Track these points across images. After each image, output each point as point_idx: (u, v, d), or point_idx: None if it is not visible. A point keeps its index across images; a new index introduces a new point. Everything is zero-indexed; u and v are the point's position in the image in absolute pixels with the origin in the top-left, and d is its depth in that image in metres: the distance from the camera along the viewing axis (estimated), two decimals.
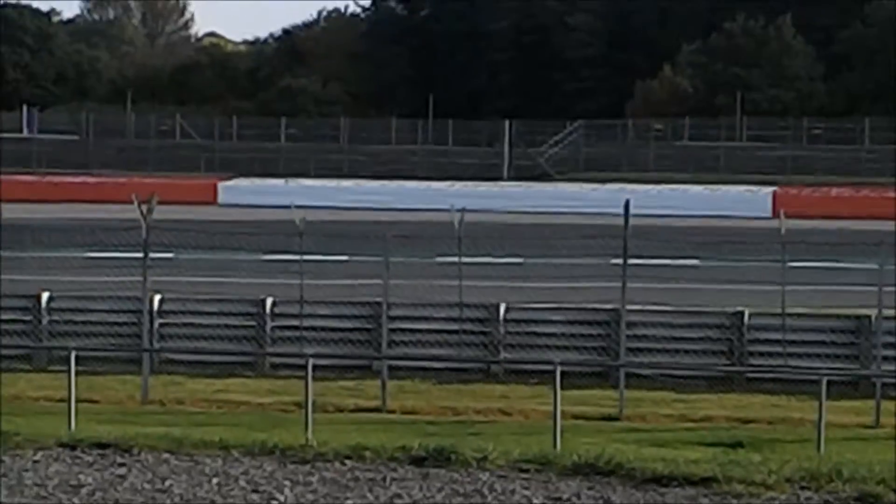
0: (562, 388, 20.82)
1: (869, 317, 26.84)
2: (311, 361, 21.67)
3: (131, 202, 28.32)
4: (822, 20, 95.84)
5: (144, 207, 27.20)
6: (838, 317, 28.35)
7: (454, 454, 11.99)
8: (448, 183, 67.14)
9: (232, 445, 12.53)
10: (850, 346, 27.45)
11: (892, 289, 27.23)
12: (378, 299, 27.93)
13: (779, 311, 28.13)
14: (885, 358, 26.02)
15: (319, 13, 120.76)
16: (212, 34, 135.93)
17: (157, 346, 27.79)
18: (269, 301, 29.08)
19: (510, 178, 77.26)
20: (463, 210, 32.59)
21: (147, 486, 11.21)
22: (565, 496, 10.85)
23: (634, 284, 26.63)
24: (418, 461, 11.95)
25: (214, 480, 11.37)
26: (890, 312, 26.89)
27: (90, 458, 12.19)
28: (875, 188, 68.51)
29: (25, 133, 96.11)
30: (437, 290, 30.18)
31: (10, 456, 12.27)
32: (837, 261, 36.07)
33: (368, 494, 10.91)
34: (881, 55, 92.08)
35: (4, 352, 28.57)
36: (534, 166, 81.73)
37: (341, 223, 44.04)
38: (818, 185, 70.67)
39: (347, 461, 11.99)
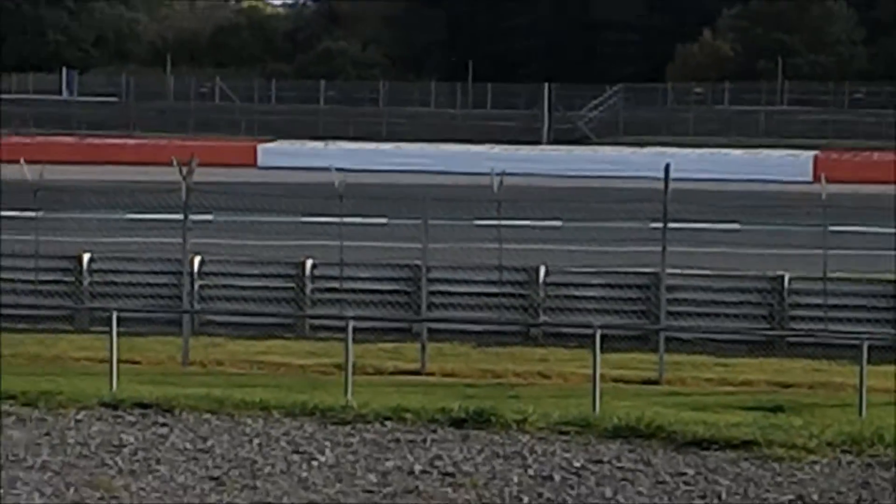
0: (601, 351, 20.80)
1: None
2: (350, 323, 21.70)
3: (171, 164, 28.41)
4: None
5: (184, 169, 27.26)
6: (879, 281, 28.22)
7: (494, 416, 12.01)
8: (487, 146, 67.03)
9: (272, 406, 12.58)
10: (891, 310, 27.34)
11: None
12: (417, 262, 27.95)
13: (820, 275, 28.07)
14: None
15: None
16: None
17: (197, 307, 27.86)
18: (308, 263, 29.12)
19: (549, 142, 77.01)
20: (502, 173, 32.61)
21: (188, 445, 11.26)
22: (605, 458, 10.85)
23: (674, 248, 26.60)
24: (458, 423, 11.97)
25: (255, 441, 11.41)
26: None
27: (132, 418, 12.26)
28: None
29: (65, 95, 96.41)
30: (477, 253, 30.16)
31: (53, 415, 12.36)
32: (879, 226, 35.91)
33: (409, 455, 10.93)
34: None
35: (46, 312, 28.79)
36: (573, 130, 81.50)
37: (380, 186, 44.01)
38: (860, 150, 70.29)
39: (387, 422, 12.02)
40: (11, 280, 29.80)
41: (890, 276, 28.12)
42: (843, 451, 10.98)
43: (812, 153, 63.52)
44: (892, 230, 33.73)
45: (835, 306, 27.39)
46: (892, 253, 31.20)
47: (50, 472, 10.43)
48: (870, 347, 21.60)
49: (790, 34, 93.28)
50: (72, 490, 9.93)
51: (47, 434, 11.63)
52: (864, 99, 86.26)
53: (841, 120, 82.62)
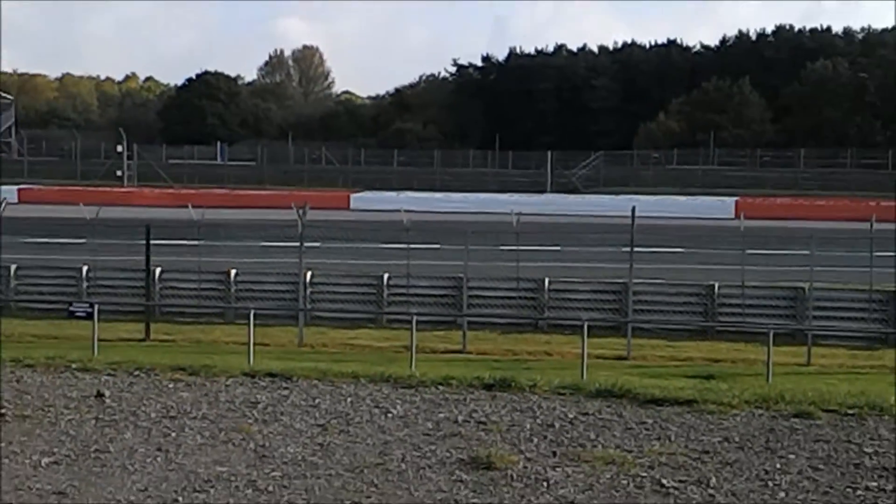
0: (588, 337, 20.81)
1: (804, 287, 26.61)
2: (414, 318, 21.80)
3: (291, 208, 28.56)
4: (770, 80, 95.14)
5: (300, 211, 27.41)
6: (782, 288, 28.08)
7: (513, 382, 12.00)
8: (509, 194, 67.11)
9: (361, 375, 12.60)
10: (790, 308, 27.21)
11: (820, 268, 27.00)
12: (460, 275, 28.02)
13: (739, 283, 27.96)
14: (815, 317, 25.84)
15: (420, 77, 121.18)
16: (346, 92, 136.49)
17: (308, 306, 27.97)
18: (385, 276, 29.22)
19: (552, 191, 76.97)
20: (519, 213, 32.65)
21: (303, 402, 11.31)
22: (591, 412, 10.83)
23: (639, 265, 26.54)
24: (488, 387, 11.97)
25: (349, 399, 11.44)
26: (818, 284, 26.70)
27: (263, 384, 12.32)
28: (808, 198, 67.90)
29: (218, 160, 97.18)
30: (501, 269, 30.17)
31: (210, 381, 12.43)
32: (782, 249, 35.69)
33: (454, 409, 10.94)
34: (812, 104, 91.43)
35: (206, 310, 28.99)
36: (568, 183, 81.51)
37: (435, 222, 44.05)
38: (768, 196, 70.04)
39: (440, 387, 12.03)
40: (182, 288, 30.09)
41: (790, 284, 27.98)
42: (756, 407, 10.93)
43: (734, 198, 63.30)
44: (791, 252, 33.52)
45: (750, 306, 27.27)
46: (791, 268, 31.03)
47: (208, 420, 10.49)
48: (775, 334, 21.50)
49: (719, 115, 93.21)
50: (222, 433, 9.98)
51: (206, 395, 11.71)
52: (771, 160, 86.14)
53: (754, 175, 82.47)
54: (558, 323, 26.95)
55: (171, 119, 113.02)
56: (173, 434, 9.95)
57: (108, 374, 12.88)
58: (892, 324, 26.18)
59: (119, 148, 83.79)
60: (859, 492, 8.30)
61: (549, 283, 28.46)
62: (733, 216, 52.92)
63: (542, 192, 75.58)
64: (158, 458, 9.16)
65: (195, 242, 32.25)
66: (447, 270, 30.18)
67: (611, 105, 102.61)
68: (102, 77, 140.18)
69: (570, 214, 56.67)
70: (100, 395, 11.55)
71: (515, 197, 64.48)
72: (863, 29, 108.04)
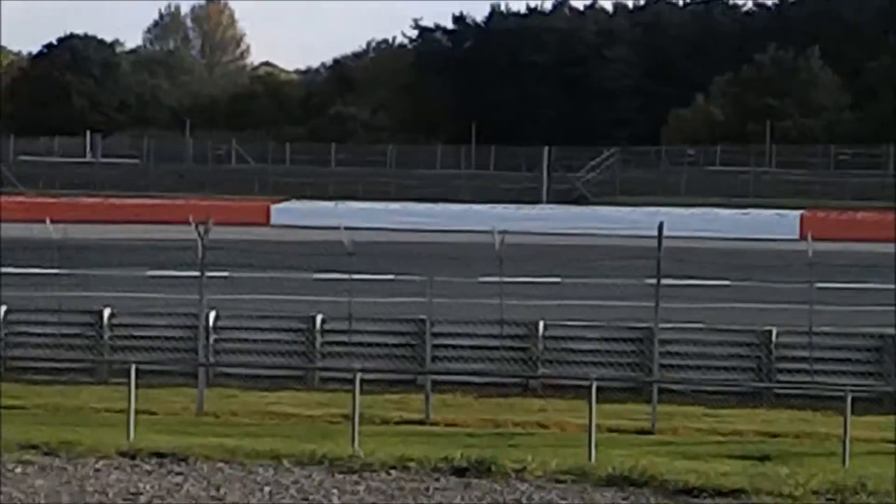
0: (597, 402, 20.81)
1: (893, 335, 26.72)
2: (358, 375, 21.70)
3: (188, 223, 28.48)
4: (850, 51, 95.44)
5: (201, 228, 27.33)
6: (863, 335, 28.20)
7: (494, 465, 11.99)
8: (489, 205, 67.19)
9: (283, 455, 12.55)
10: (874, 363, 27.33)
11: None
12: (422, 316, 27.96)
13: (806, 329, 28.07)
14: None
15: (368, 44, 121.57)
16: (266, 64, 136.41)
17: (212, 360, 27.85)
18: (318, 318, 29.15)
19: (549, 202, 77.16)
20: (504, 232, 32.66)
21: (203, 493, 11.26)
22: None
23: (667, 304, 26.58)
24: (460, 472, 11.95)
25: (266, 489, 11.40)
26: None
27: (148, 467, 12.24)
28: None
29: (89, 157, 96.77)
30: (479, 308, 30.19)
31: (73, 464, 12.34)
32: (863, 282, 35.91)
33: (412, 503, 10.92)
34: None
35: (68, 365, 28.81)
36: (572, 190, 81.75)
37: (388, 244, 44.07)
38: (845, 210, 70.40)
39: (393, 471, 12.00)
40: (36, 334, 29.90)
41: (873, 330, 28.11)
42: (828, 500, 10.96)
43: (799, 212, 63.62)
44: (876, 286, 33.73)
45: (820, 359, 27.38)
46: (876, 308, 31.19)
47: None
48: (853, 399, 21.57)
49: (778, 99, 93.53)
50: None
51: (67, 482, 11.62)
52: (850, 161, 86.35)
53: (827, 181, 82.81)
54: (557, 383, 26.97)
55: (21, 100, 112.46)
56: None
57: None
58: None
59: None
60: None
61: (545, 327, 28.47)
62: (797, 236, 53.17)
63: (537, 202, 75.71)
64: None
65: (55, 271, 32.07)
66: (404, 310, 30.13)
67: (630, 84, 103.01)
68: None
69: (573, 234, 56.82)
70: None
71: (499, 209, 64.60)
72: None
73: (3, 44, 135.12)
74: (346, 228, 35.18)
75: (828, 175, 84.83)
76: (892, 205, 73.16)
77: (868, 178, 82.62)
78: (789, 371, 27.48)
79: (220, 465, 12.25)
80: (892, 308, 26.98)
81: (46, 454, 12.71)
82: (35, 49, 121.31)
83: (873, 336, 27.78)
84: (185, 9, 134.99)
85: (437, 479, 11.70)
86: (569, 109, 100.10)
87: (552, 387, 27.18)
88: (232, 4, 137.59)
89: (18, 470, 12.11)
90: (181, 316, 29.20)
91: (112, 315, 29.83)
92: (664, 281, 26.37)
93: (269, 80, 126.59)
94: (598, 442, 19.81)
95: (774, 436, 24.00)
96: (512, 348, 28.46)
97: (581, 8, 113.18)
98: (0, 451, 12.76)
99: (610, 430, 22.54)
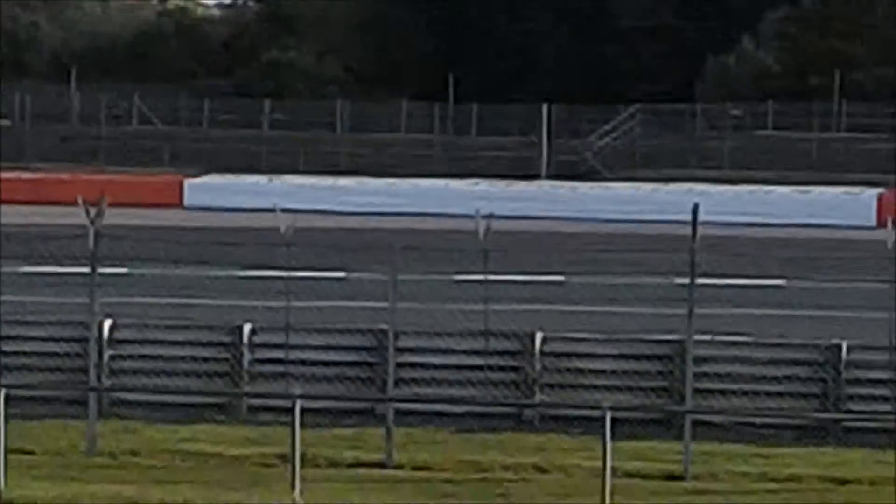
0: (613, 438, 20.89)
1: None
2: (298, 403, 21.75)
3: (76, 204, 28.44)
4: None
5: (92, 211, 27.28)
6: None
7: None
8: (472, 181, 67.26)
9: None
10: None
11: None
12: (383, 326, 27.98)
13: (886, 343, 28.18)
14: None
15: None
16: None
17: (107, 383, 27.83)
18: (247, 328, 29.15)
19: (549, 176, 77.30)
20: (490, 216, 32.71)
21: None
22: None
23: (704, 310, 26.67)
24: None
25: None
26: None
27: None
28: None
29: None
30: (457, 316, 30.25)
31: None
32: None
33: None
34: None
35: None
36: (579, 162, 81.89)
37: (339, 231, 44.14)
38: None
39: None
40: None
41: None
42: None
43: (876, 191, 63.85)
44: None
45: None
46: None
47: None
48: None
49: (850, 42, 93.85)
50: None
51: None
52: None
53: None
54: (560, 413, 27.06)
55: None
56: None
57: None
58: None
59: None
60: None
61: (544, 340, 28.54)
62: (874, 223, 53.40)
63: (535, 177, 75.85)
64: None
65: None
66: (360, 317, 30.18)
67: (653, 23, 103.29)
68: None
69: (581, 219, 56.98)
70: None
71: (483, 186, 64.68)
72: None
73: None
74: (283, 211, 35.19)
75: None
76: None
77: None
78: (864, 398, 27.59)
79: None
80: None
81: None
82: None
83: None
84: None
85: None
86: (577, 55, 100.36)
87: (553, 418, 27.27)
88: None
89: None
90: (67, 325, 29.19)
91: None
92: (699, 280, 26.47)
93: (181, 17, 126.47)
94: (614, 490, 19.90)
95: (844, 482, 24.11)
96: (501, 368, 28.52)
97: None
98: None
99: (629, 474, 22.63)
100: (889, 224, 31.88)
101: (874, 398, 27.49)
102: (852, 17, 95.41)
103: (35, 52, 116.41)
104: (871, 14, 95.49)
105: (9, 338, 29.76)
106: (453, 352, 28.71)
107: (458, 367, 28.43)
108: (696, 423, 25.49)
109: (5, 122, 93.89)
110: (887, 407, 26.97)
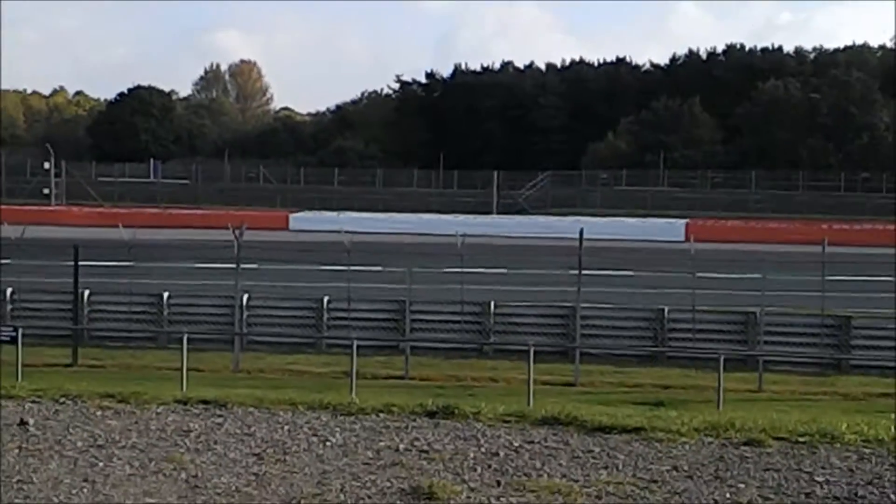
0: (534, 362, 20.87)
1: (755, 312, 26.86)
2: (355, 342, 21.73)
3: (227, 228, 28.41)
4: (721, 100, 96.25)
5: (237, 232, 27.28)
6: (733, 312, 28.36)
7: (457, 410, 11.97)
8: (453, 215, 67.22)
9: (298, 402, 12.51)
10: (741, 333, 27.49)
11: (771, 292, 27.29)
12: (403, 298, 27.99)
13: (689, 308, 28.18)
14: (766, 342, 26.09)
15: (362, 93, 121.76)
16: (286, 108, 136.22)
17: (245, 330, 27.82)
18: (325, 299, 29.14)
19: (498, 213, 77.22)
20: (464, 235, 32.72)
21: (238, 430, 11.21)
22: (536, 440, 10.84)
23: (586, 288, 26.67)
24: (431, 414, 11.93)
25: (286, 427, 11.36)
26: (769, 309, 26.94)
27: (197, 411, 12.19)
28: (760, 220, 68.70)
29: (152, 178, 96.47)
30: (445, 292, 30.20)
31: (139, 409, 12.28)
32: (732, 273, 36.04)
33: (395, 437, 10.90)
34: (764, 125, 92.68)
35: (137, 334, 28.73)
36: (515, 204, 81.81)
37: (377, 244, 44.03)
38: (719, 218, 70.72)
39: (381, 414, 11.97)
40: (112, 311, 29.81)
41: (740, 309, 28.23)
42: (706, 435, 10.99)
43: (684, 221, 63.86)
44: (742, 276, 33.85)
45: (700, 330, 27.50)
46: (743, 292, 31.30)
47: (137, 450, 10.36)
48: (725, 360, 21.69)
49: (669, 135, 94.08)
50: (153, 463, 9.87)
51: (135, 423, 11.57)
52: (722, 182, 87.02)
53: (705, 197, 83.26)
54: (504, 348, 27.00)
55: (101, 135, 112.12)
56: (100, 464, 9.82)
57: (33, 402, 12.69)
58: (844, 349, 26.52)
59: (46, 165, 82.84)
60: None
61: (495, 306, 28.52)
62: (683, 239, 53.32)
63: (489, 213, 75.76)
64: (85, 490, 9.03)
65: (126, 263, 31.96)
66: (389, 294, 30.14)
67: (558, 124, 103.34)
68: (29, 91, 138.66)
69: (516, 236, 56.92)
70: (23, 423, 11.38)
71: (460, 218, 64.56)
72: (814, 49, 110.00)
73: (87, 91, 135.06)
74: (346, 232, 35.14)
75: (705, 192, 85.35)
76: (754, 215, 73.81)
77: (735, 195, 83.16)
78: (678, 339, 27.57)
79: (251, 409, 12.21)
80: (757, 292, 27.05)
81: (119, 402, 12.65)
82: (111, 96, 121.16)
83: (741, 313, 27.92)
84: (224, 66, 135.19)
85: (414, 420, 11.68)
86: (513, 143, 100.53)
87: (500, 351, 27.23)
88: (259, 62, 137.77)
89: (98, 413, 12.05)
90: (222, 297, 29.14)
91: (170, 297, 29.78)
92: (585, 271, 26.47)
93: (287, 121, 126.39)
94: (534, 392, 19.87)
95: (667, 387, 24.10)
96: (470, 322, 28.49)
97: (521, 67, 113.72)
98: (84, 399, 12.72)
99: (544, 383, 22.58)
100: (692, 239, 31.90)
101: (683, 339, 27.47)
102: (671, 120, 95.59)
103: (203, 141, 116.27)
104: (680, 119, 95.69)
105: (189, 304, 29.77)
106: (443, 312, 28.67)
107: (446, 321, 28.38)
108: (582, 354, 25.49)
109: (185, 181, 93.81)
110: (690, 344, 26.98)
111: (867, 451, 10.43)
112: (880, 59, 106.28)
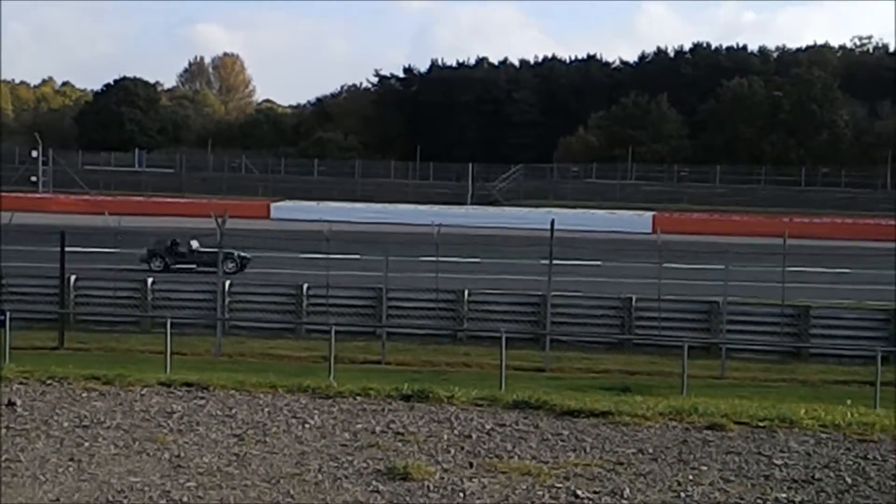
0: (506, 348, 20.92)
1: (718, 301, 27.00)
2: (333, 328, 21.72)
3: (210, 216, 28.31)
4: (688, 97, 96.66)
5: (220, 220, 27.20)
6: (698, 301, 28.49)
7: (431, 393, 11.99)
8: (429, 206, 67.17)
9: (279, 385, 12.51)
10: (705, 321, 27.62)
11: (734, 282, 27.42)
12: (380, 285, 28.00)
13: (656, 297, 28.31)
14: (729, 330, 26.23)
15: (342, 86, 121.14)
16: (267, 100, 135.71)
17: (227, 316, 27.76)
18: (305, 286, 29.11)
19: (472, 203, 77.20)
20: (440, 225, 32.72)
21: (219, 412, 11.21)
22: (508, 423, 10.87)
23: (557, 278, 26.73)
24: (406, 398, 11.95)
25: (266, 409, 11.36)
26: (732, 298, 27.08)
27: (180, 393, 12.18)
28: (724, 213, 69.00)
29: (136, 167, 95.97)
30: (421, 280, 30.23)
31: (124, 390, 12.26)
32: (698, 263, 36.22)
33: (372, 420, 10.91)
34: (728, 121, 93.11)
35: (122, 319, 28.63)
36: (489, 195, 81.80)
37: (355, 233, 43.98)
38: (684, 211, 70.96)
39: (358, 397, 11.98)
40: (97, 296, 29.69)
41: (705, 298, 28.38)
42: (670, 419, 11.05)
43: (652, 213, 64.06)
44: (708, 266, 34.03)
45: (666, 318, 27.63)
46: (708, 282, 31.48)
47: (121, 430, 10.35)
48: (690, 347, 21.82)
49: (637, 130, 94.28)
50: (136, 443, 9.86)
51: (120, 404, 11.55)
52: (688, 176, 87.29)
53: (672, 190, 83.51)
54: (477, 334, 27.04)
55: (87, 125, 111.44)
56: (86, 444, 9.80)
57: (20, 383, 12.65)
58: (803, 338, 26.70)
59: (34, 153, 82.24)
60: (769, 503, 8.44)
61: (469, 294, 28.56)
62: (650, 231, 53.56)
63: (463, 204, 75.75)
64: (71, 468, 9.02)
65: (112, 250, 31.82)
66: (367, 281, 30.14)
67: (531, 118, 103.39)
68: (17, 81, 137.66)
69: (490, 227, 56.95)
70: (11, 403, 11.34)
71: (436, 209, 64.50)
72: (777, 48, 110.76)
73: (74, 82, 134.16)
74: (325, 221, 35.08)
75: (672, 186, 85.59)
76: (718, 208, 74.08)
77: (701, 188, 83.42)
78: (644, 327, 27.71)
79: (233, 392, 12.20)
80: (720, 283, 27.17)
81: (105, 383, 12.61)
82: (98, 87, 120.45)
83: (705, 302, 28.07)
84: (207, 59, 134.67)
85: (390, 403, 11.70)
86: (487, 136, 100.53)
87: (474, 338, 27.27)
88: (242, 56, 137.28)
89: (84, 394, 12.02)
90: (205, 283, 29.10)
91: (154, 282, 29.69)
92: (555, 261, 26.54)
93: (269, 113, 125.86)
94: (506, 377, 19.91)
95: (633, 373, 24.22)
96: (445, 309, 28.54)
97: (496, 63, 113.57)
98: (70, 381, 12.69)
99: (515, 369, 22.64)
100: (658, 231, 31.99)
101: (650, 327, 27.61)
102: (640, 116, 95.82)
103: (188, 132, 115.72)
104: (648, 114, 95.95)
105: (172, 290, 29.66)
106: (418, 300, 28.72)
107: (421, 308, 28.45)
108: (552, 341, 25.58)
109: (169, 171, 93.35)
110: (656, 332, 27.10)
111: (824, 435, 10.53)
112: (840, 58, 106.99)
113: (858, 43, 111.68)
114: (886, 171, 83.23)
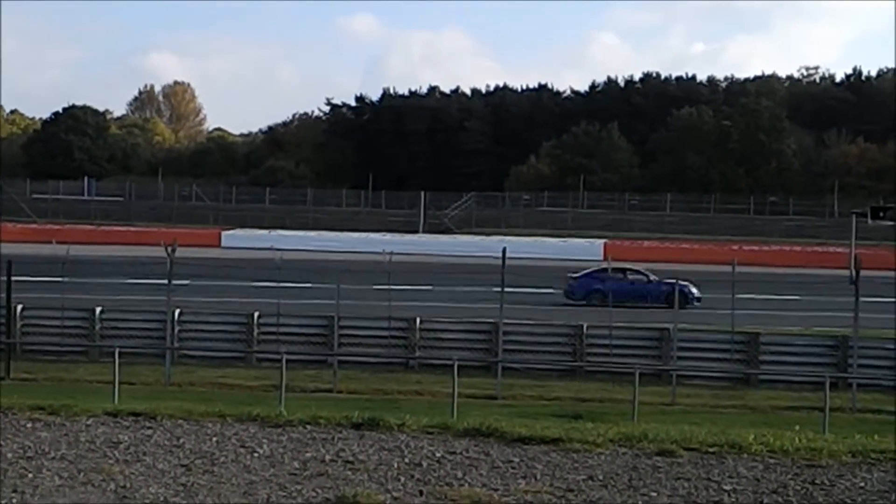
0: (458, 376, 20.87)
1: (669, 329, 27.11)
2: (284, 357, 21.59)
3: (160, 245, 28.09)
4: (638, 126, 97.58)
5: (169, 248, 26.99)
6: (647, 328, 28.62)
7: (382, 421, 11.94)
8: (381, 234, 67.10)
9: (227, 415, 12.39)
10: (655, 348, 27.72)
11: (684, 310, 27.57)
12: (332, 314, 27.88)
13: (607, 324, 28.38)
14: (680, 357, 26.34)
15: (294, 115, 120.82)
16: (218, 128, 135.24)
17: (176, 345, 27.50)
18: (255, 314, 28.92)
19: (424, 231, 77.22)
20: (391, 253, 32.69)
21: (167, 442, 11.08)
22: (458, 451, 10.83)
23: (508, 306, 26.75)
24: (357, 426, 11.88)
25: (214, 439, 11.24)
26: (682, 325, 27.24)
27: (127, 423, 12.03)
28: (674, 241, 69.50)
29: (85, 196, 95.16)
30: (373, 308, 30.13)
31: (70, 421, 12.09)
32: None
33: (321, 448, 10.83)
34: (678, 150, 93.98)
35: (69, 348, 28.29)
36: (441, 224, 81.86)
37: (307, 261, 43.77)
38: (635, 239, 71.36)
39: (308, 426, 11.90)
40: (45, 325, 29.32)
41: (656, 325, 28.51)
42: (621, 445, 11.06)
43: (602, 241, 64.37)
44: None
45: (617, 346, 27.69)
46: (658, 310, 31.63)
47: (66, 461, 10.19)
48: (641, 374, 21.88)
49: (589, 159, 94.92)
50: (82, 474, 9.71)
51: (65, 434, 11.38)
52: (638, 204, 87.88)
53: (622, 218, 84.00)
54: (429, 362, 27.00)
55: (36, 153, 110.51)
56: (30, 475, 9.64)
57: None
58: (752, 364, 26.87)
59: None
60: None
61: (421, 322, 28.49)
62: (602, 258, 53.74)
63: (415, 232, 75.76)
64: (14, 500, 8.87)
65: (59, 279, 31.46)
66: (318, 309, 30.01)
67: (483, 147, 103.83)
68: None
69: (442, 255, 56.95)
70: None
71: (388, 237, 64.47)
72: (726, 78, 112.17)
73: (22, 110, 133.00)
74: (277, 249, 34.91)
75: (623, 214, 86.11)
76: (669, 236, 74.64)
77: (651, 216, 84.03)
78: (596, 354, 27.74)
79: (181, 421, 12.07)
80: (670, 309, 27.28)
81: (50, 414, 12.45)
82: (46, 115, 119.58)
83: (655, 329, 28.19)
84: (158, 87, 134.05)
85: (340, 432, 11.63)
86: (439, 165, 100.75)
87: (426, 365, 27.22)
88: (193, 84, 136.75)
89: (29, 425, 11.85)
90: (153, 312, 28.80)
91: (102, 311, 29.37)
92: (507, 289, 26.56)
93: (220, 141, 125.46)
94: (459, 405, 19.87)
95: (585, 400, 24.23)
96: (397, 337, 28.44)
97: (447, 92, 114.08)
98: (15, 411, 12.51)
99: (467, 396, 22.61)
100: (609, 259, 32.13)
101: (601, 354, 27.61)
102: (591, 145, 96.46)
103: (137, 160, 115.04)
104: (599, 144, 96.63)
105: (121, 319, 29.36)
106: (370, 328, 28.62)
107: (373, 336, 28.36)
108: (504, 368, 25.55)
109: (119, 199, 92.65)
110: (608, 359, 27.13)
111: (772, 461, 10.59)
112: (788, 88, 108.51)
113: (805, 73, 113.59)
114: (833, 200, 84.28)
